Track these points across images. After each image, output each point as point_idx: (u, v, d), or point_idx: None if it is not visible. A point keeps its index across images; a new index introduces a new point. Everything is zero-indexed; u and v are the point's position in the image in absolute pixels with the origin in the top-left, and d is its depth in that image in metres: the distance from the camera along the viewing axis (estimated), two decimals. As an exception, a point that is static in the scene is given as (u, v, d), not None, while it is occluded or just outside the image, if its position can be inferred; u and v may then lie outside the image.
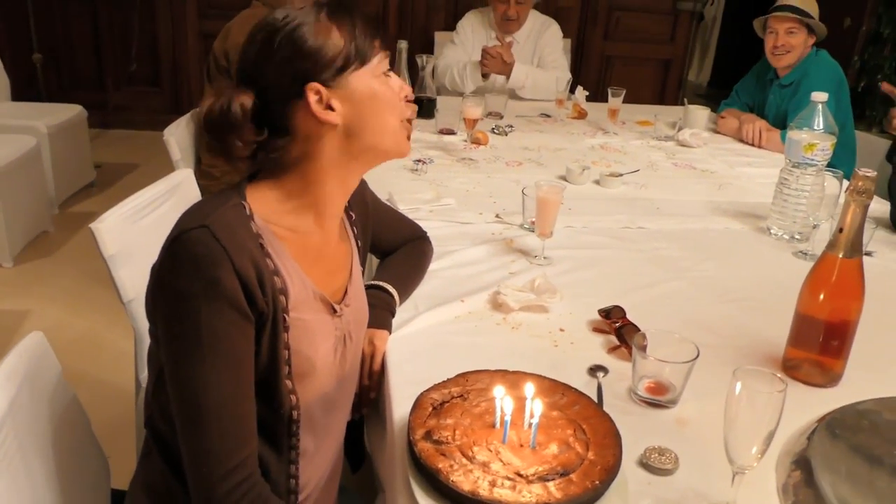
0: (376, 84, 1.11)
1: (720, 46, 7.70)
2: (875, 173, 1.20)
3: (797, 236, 1.97)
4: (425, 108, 2.92)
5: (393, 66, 1.37)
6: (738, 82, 3.35)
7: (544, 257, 1.74)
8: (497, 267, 1.70)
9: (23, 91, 4.59)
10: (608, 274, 1.72)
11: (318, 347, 1.14)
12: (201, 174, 2.61)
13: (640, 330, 1.33)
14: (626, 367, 1.28)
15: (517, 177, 2.34)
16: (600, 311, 1.47)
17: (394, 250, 1.56)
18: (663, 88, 5.49)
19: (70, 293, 3.21)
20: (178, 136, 2.44)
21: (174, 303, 1.00)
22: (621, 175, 2.40)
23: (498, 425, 1.05)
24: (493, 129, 2.86)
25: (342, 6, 1.09)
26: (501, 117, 3.06)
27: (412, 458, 1.02)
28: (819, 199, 1.86)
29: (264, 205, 1.10)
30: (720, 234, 2.04)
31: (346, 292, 1.22)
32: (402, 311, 1.46)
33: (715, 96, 5.54)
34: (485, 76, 3.39)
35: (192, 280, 0.99)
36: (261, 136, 1.08)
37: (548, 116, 3.20)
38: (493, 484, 0.95)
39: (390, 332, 1.38)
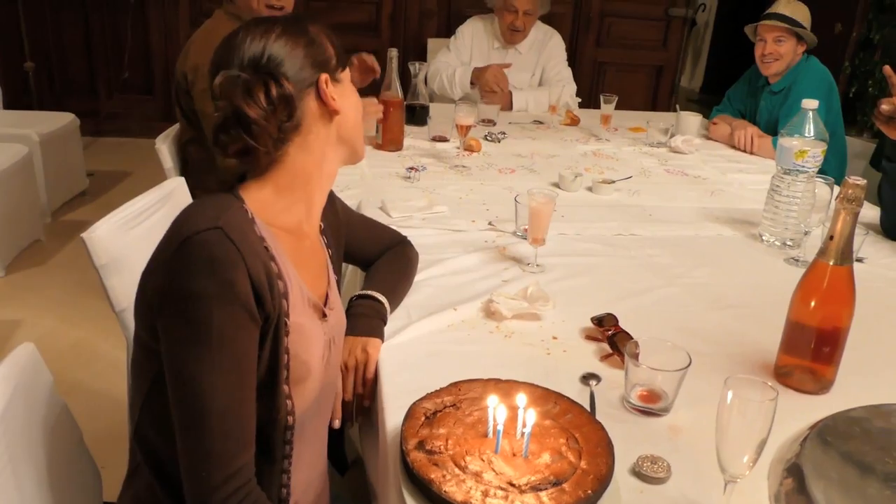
0: (350, 85, 1.23)
1: (712, 52, 7.72)
2: (865, 181, 1.20)
3: (789, 243, 1.98)
4: (418, 115, 2.92)
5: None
6: (730, 88, 3.36)
7: (537, 265, 1.74)
8: (490, 275, 1.70)
9: (15, 99, 4.58)
10: (601, 281, 1.73)
11: (313, 352, 1.15)
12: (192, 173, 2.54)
13: (632, 338, 1.33)
14: (619, 375, 1.28)
15: (510, 184, 2.35)
16: (593, 319, 1.47)
17: (375, 258, 1.56)
18: (655, 94, 5.51)
19: (62, 302, 3.20)
20: (170, 144, 2.44)
21: (185, 304, 0.99)
22: (614, 182, 2.41)
23: (491, 435, 1.05)
24: (485, 136, 2.87)
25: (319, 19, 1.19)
26: (494, 124, 3.07)
27: (405, 468, 1.02)
28: (810, 205, 1.87)
29: (260, 205, 1.11)
30: (712, 240, 2.04)
31: (327, 297, 1.24)
32: (395, 320, 1.46)
33: (707, 102, 5.56)
34: (472, 84, 3.37)
35: (207, 281, 0.98)
36: (283, 120, 1.11)
37: (540, 123, 3.21)
38: (485, 494, 0.95)
39: (383, 340, 1.38)
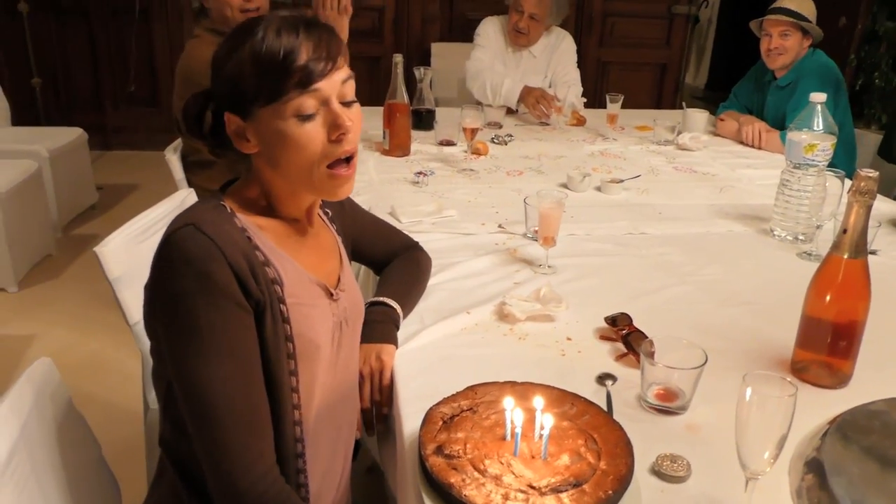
0: (285, 126, 1.06)
1: (716, 49, 7.71)
2: (876, 173, 1.20)
3: (801, 237, 1.97)
4: (424, 119, 2.93)
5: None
6: (735, 84, 3.36)
7: (548, 266, 1.74)
8: (501, 277, 1.70)
9: (23, 115, 4.61)
10: (613, 281, 1.72)
11: (319, 330, 1.15)
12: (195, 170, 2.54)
13: (647, 337, 1.33)
14: (635, 374, 1.28)
15: (518, 186, 2.35)
16: (607, 319, 1.47)
17: (387, 260, 1.56)
18: (660, 93, 5.50)
19: (76, 316, 3.22)
20: (179, 154, 2.45)
21: (171, 304, 1.02)
22: (622, 181, 2.40)
23: (509, 437, 1.05)
24: (492, 138, 2.87)
25: (266, 41, 1.04)
26: (501, 127, 3.07)
27: (424, 474, 1.02)
28: (821, 199, 1.86)
29: (242, 204, 1.14)
30: (723, 237, 2.04)
31: (339, 279, 1.24)
32: (408, 325, 1.46)
33: (713, 99, 5.55)
34: (519, 100, 3.29)
35: (185, 278, 1.01)
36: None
37: (547, 125, 3.21)
38: (505, 497, 0.95)
39: (397, 346, 1.38)
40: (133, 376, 1.96)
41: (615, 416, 1.16)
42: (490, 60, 3.45)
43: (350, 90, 1.12)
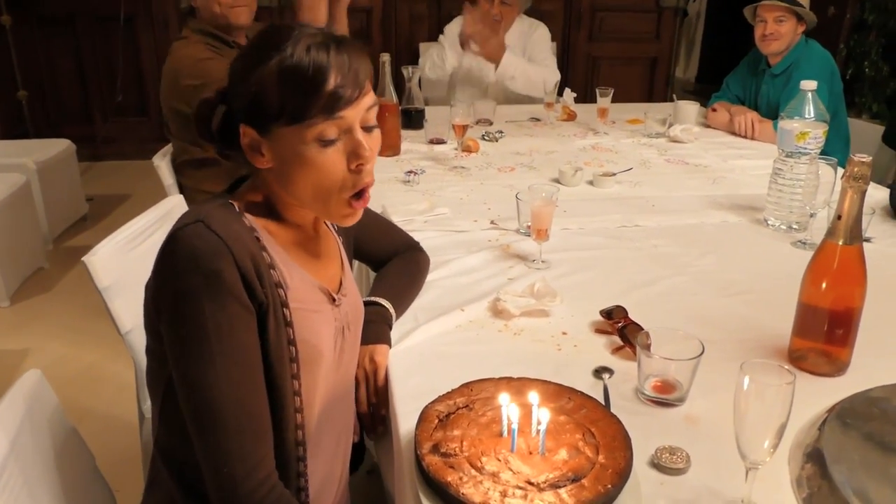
0: (305, 150, 1.04)
1: (706, 41, 7.69)
2: (870, 158, 1.19)
3: (794, 226, 1.96)
4: (414, 118, 2.91)
5: (375, 87, 1.33)
6: (728, 75, 3.35)
7: (542, 261, 1.73)
8: (495, 273, 1.69)
9: (10, 129, 4.59)
10: (607, 274, 1.71)
11: (322, 335, 1.14)
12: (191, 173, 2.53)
13: (642, 329, 1.32)
14: (632, 367, 1.27)
15: (510, 182, 2.34)
16: (602, 312, 1.46)
17: (386, 258, 1.55)
18: (651, 86, 5.50)
19: (69, 328, 3.19)
20: (168, 161, 2.43)
21: (177, 303, 1.00)
22: (614, 174, 2.39)
23: (505, 434, 1.04)
24: (483, 135, 2.86)
25: (295, 58, 1.01)
26: (491, 123, 3.06)
27: (421, 473, 1.01)
28: (814, 187, 1.85)
29: (250, 205, 1.12)
30: (717, 227, 2.03)
31: (341, 283, 1.23)
32: (402, 324, 1.45)
33: (703, 91, 5.54)
34: (463, 45, 3.35)
35: (192, 275, 0.98)
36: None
37: (537, 120, 3.20)
38: (503, 494, 0.94)
39: (390, 346, 1.37)
40: (128, 387, 1.94)
41: (613, 410, 1.14)
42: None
43: (373, 115, 1.10)
